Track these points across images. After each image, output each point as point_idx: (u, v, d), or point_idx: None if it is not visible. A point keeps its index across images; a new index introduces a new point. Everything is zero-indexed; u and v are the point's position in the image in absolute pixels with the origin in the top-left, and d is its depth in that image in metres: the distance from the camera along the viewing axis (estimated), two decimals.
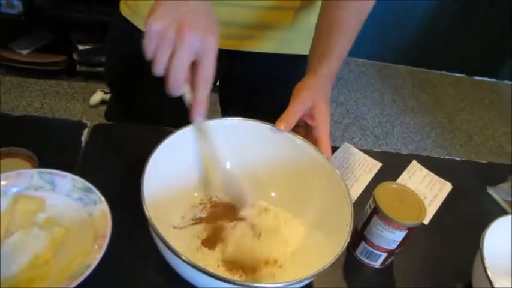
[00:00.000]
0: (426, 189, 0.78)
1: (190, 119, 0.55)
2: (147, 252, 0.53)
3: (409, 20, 2.62)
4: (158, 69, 0.50)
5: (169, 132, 0.57)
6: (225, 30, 0.82)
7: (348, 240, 0.51)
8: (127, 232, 0.55)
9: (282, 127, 0.61)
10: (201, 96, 0.53)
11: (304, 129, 0.65)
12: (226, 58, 0.89)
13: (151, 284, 0.55)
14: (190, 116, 0.54)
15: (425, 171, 0.82)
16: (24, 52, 2.03)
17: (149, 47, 0.50)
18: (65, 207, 0.56)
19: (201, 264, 0.44)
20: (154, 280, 0.55)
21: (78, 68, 2.09)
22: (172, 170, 0.58)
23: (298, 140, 0.62)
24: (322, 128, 0.62)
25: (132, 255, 0.56)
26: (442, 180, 0.80)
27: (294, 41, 0.87)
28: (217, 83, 1.00)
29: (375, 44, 2.65)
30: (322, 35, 0.71)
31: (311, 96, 0.63)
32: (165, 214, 0.55)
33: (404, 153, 0.86)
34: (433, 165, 0.83)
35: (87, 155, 0.68)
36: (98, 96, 2.00)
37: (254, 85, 0.93)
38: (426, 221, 0.72)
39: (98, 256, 0.49)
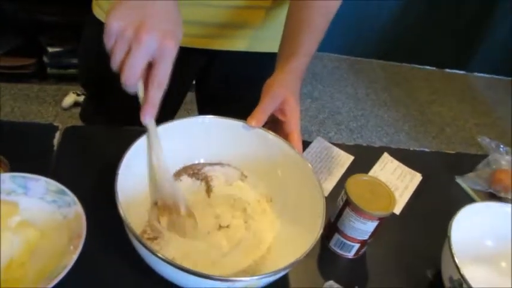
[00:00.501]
0: (397, 181, 0.80)
1: (141, 118, 0.54)
2: (123, 252, 0.54)
3: (380, 13, 2.66)
4: (113, 64, 0.51)
5: (141, 133, 0.58)
6: (197, 29, 0.83)
7: (321, 231, 0.52)
8: (102, 232, 0.55)
9: (253, 123, 0.62)
10: (151, 98, 0.53)
11: (274, 125, 0.66)
12: (200, 57, 0.90)
13: (128, 282, 0.55)
14: (140, 114, 0.54)
15: (396, 163, 0.84)
16: None
17: (108, 42, 0.51)
18: (39, 210, 0.55)
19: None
20: (131, 278, 0.55)
21: (48, 70, 2.05)
22: (143, 171, 0.59)
23: (270, 136, 0.63)
24: (293, 124, 0.63)
25: (108, 255, 0.56)
26: (412, 171, 0.83)
27: (265, 39, 0.88)
28: (193, 82, 1.01)
29: (346, 39, 2.69)
30: (290, 34, 0.72)
31: (281, 92, 0.64)
32: (137, 213, 0.55)
33: (377, 146, 0.88)
34: (404, 156, 0.85)
35: (60, 158, 0.67)
36: (70, 99, 1.97)
37: (228, 83, 0.94)
38: (397, 211, 0.74)
39: (74, 256, 0.49)
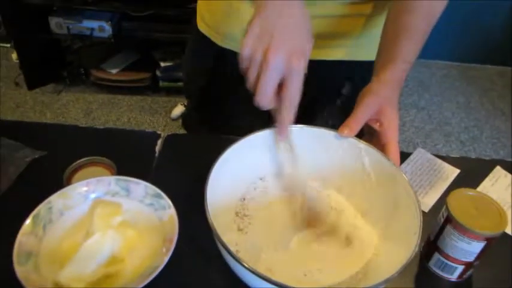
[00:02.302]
0: None
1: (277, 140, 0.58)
2: (211, 257, 0.55)
3: (494, 17, 2.43)
4: (248, 85, 0.54)
5: (233, 141, 0.59)
6: None
7: (416, 249, 0.48)
8: (193, 237, 0.57)
9: (345, 133, 0.60)
10: (283, 118, 0.55)
11: (370, 137, 0.63)
12: None
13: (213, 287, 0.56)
14: (276, 134, 0.58)
15: (510, 177, 0.75)
16: (114, 71, 2.20)
17: (242, 65, 0.54)
18: (138, 211, 0.59)
19: None
20: (217, 284, 0.56)
21: (160, 84, 2.22)
22: (236, 177, 0.60)
23: (362, 145, 0.61)
24: (390, 134, 0.60)
25: (196, 259, 0.58)
26: None
27: (363, 47, 0.85)
28: None
29: (457, 44, 2.50)
30: (388, 39, 0.68)
31: (376, 101, 0.61)
32: (228, 220, 0.56)
33: (488, 159, 0.80)
34: None
35: (160, 164, 0.72)
36: (178, 110, 2.11)
37: (324, 92, 0.93)
38: (511, 232, 0.66)
39: (166, 258, 0.51)
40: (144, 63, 2.23)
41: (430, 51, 2.83)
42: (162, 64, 2.16)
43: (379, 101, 0.61)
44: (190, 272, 0.57)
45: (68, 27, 2.02)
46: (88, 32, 2.03)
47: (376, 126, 0.62)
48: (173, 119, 2.11)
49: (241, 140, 0.59)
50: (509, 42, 2.52)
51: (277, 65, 0.51)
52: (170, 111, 2.13)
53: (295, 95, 0.53)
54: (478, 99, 2.38)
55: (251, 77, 0.53)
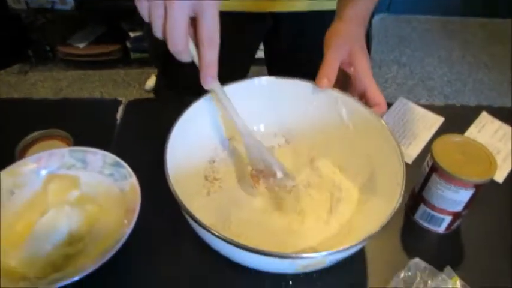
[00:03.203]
0: (500, 143, 0.68)
1: (202, 83, 0.49)
2: (180, 225, 0.50)
3: None
4: (156, 33, 0.45)
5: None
6: None
7: (400, 200, 0.44)
8: (159, 205, 0.52)
9: (324, 84, 0.55)
10: (206, 58, 0.46)
11: (344, 85, 0.58)
12: (262, 22, 0.83)
13: (182, 257, 0.52)
14: (200, 80, 0.49)
15: (497, 123, 0.71)
16: (81, 46, 2.09)
17: (142, 9, 0.45)
18: (98, 184, 0.54)
19: None
20: (185, 253, 0.52)
21: (132, 55, 2.12)
22: (195, 141, 0.54)
23: (338, 94, 0.56)
24: (366, 78, 0.55)
25: (162, 230, 0.54)
26: None
27: None
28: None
29: None
30: None
31: (344, 43, 0.56)
32: (191, 185, 0.51)
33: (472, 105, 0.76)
34: (508, 116, 0.72)
35: (122, 132, 0.66)
36: (152, 81, 2.02)
37: (295, 46, 0.87)
38: (500, 179, 0.62)
39: (127, 230, 0.46)
40: (112, 35, 2.12)
41: (410, 6, 2.78)
42: (132, 34, 2.06)
43: (347, 40, 0.56)
44: (158, 242, 0.53)
45: (26, 2, 1.90)
46: (49, 6, 1.91)
47: (350, 70, 0.57)
48: (147, 91, 2.03)
49: (202, 99, 0.53)
50: None
51: None
52: (144, 83, 2.05)
53: (213, 30, 0.45)
54: (460, 53, 2.34)
55: (157, 21, 0.44)
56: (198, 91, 0.70)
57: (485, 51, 2.35)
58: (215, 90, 0.51)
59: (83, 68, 2.14)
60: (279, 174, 0.52)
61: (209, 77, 0.48)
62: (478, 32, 2.49)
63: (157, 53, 0.94)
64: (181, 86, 0.89)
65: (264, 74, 0.59)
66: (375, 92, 0.54)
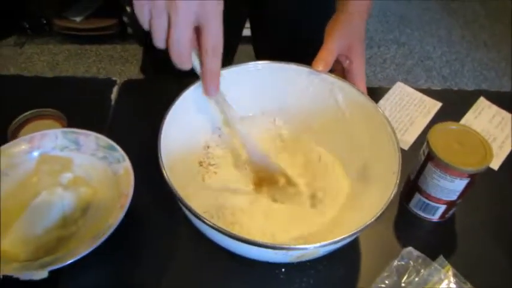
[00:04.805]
0: (496, 130, 0.68)
1: (204, 94, 0.48)
2: (173, 210, 0.50)
3: None
4: (158, 42, 0.43)
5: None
6: None
7: (395, 190, 0.44)
8: (153, 190, 0.51)
9: (320, 68, 0.54)
10: (209, 68, 0.45)
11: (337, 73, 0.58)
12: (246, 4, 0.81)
13: (176, 241, 0.52)
14: (203, 90, 0.48)
15: (494, 108, 0.70)
16: (78, 19, 2.05)
17: (142, 15, 0.42)
18: (92, 166, 0.54)
19: None
20: (178, 238, 0.52)
21: (129, 30, 2.09)
22: (189, 127, 0.53)
23: (335, 80, 0.55)
24: (359, 74, 0.56)
25: (156, 214, 0.53)
26: None
27: None
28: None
29: None
30: None
31: (346, 36, 0.57)
32: (185, 172, 0.51)
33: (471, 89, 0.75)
34: (505, 101, 0.71)
35: (116, 113, 0.65)
36: None
37: (285, 23, 0.85)
38: (495, 166, 0.62)
39: (120, 215, 0.46)
40: (109, 9, 2.08)
41: None
42: (129, 9, 2.01)
43: (349, 34, 0.57)
44: (149, 227, 0.53)
45: None
46: None
47: (346, 63, 0.57)
48: None
49: (195, 85, 0.52)
50: None
51: (190, 7, 0.41)
52: (141, 60, 2.02)
53: (218, 39, 0.43)
54: (460, 32, 2.31)
55: (159, 30, 0.42)
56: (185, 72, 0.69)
57: (486, 30, 2.32)
58: (218, 101, 0.51)
59: (79, 43, 2.10)
60: (282, 182, 0.53)
61: (212, 87, 0.47)
62: (478, 11, 2.45)
63: (138, 30, 0.91)
64: (166, 64, 0.88)
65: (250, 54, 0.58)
66: (360, 85, 0.56)
